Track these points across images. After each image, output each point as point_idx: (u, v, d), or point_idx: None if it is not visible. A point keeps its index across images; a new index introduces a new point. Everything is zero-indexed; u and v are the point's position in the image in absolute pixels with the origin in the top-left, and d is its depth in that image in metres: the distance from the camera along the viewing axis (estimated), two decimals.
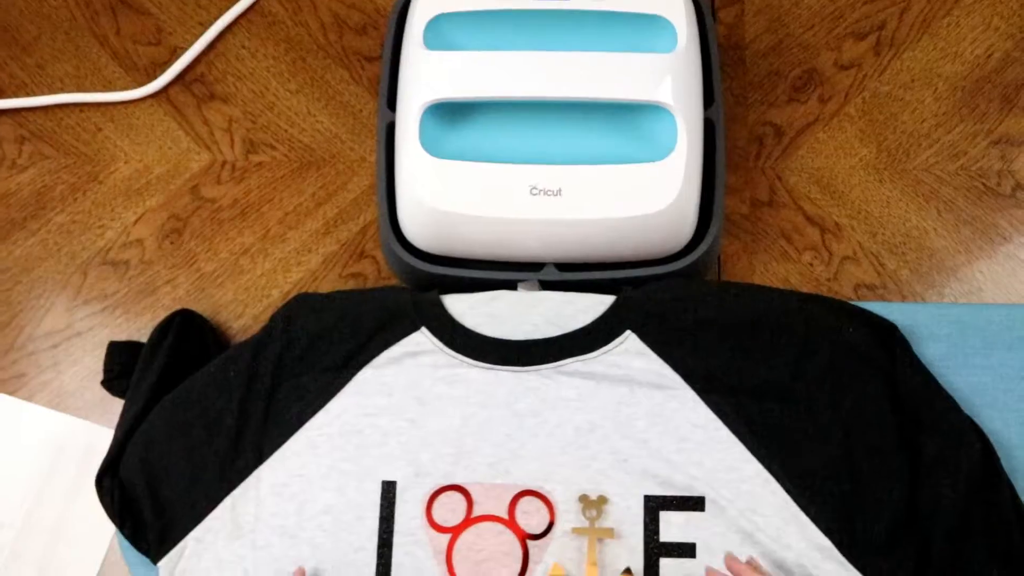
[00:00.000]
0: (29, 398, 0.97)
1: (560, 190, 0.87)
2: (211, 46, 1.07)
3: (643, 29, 0.91)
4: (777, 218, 0.98)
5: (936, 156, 0.99)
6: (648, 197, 0.87)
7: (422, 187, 0.88)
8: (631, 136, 0.92)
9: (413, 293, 0.91)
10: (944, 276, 0.95)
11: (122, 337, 0.98)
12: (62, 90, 1.06)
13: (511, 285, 0.91)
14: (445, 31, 0.92)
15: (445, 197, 0.88)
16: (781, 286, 0.95)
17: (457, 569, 0.84)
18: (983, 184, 0.98)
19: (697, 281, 0.92)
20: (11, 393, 0.97)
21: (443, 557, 0.84)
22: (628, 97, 0.88)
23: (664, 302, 0.88)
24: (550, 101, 0.90)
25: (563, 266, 0.91)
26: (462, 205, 0.87)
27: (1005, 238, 0.96)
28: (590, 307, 0.89)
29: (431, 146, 0.88)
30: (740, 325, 0.87)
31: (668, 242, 0.90)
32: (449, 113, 0.93)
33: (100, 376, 0.95)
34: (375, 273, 1.00)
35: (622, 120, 0.93)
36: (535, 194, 0.87)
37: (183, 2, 1.09)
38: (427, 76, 0.89)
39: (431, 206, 0.88)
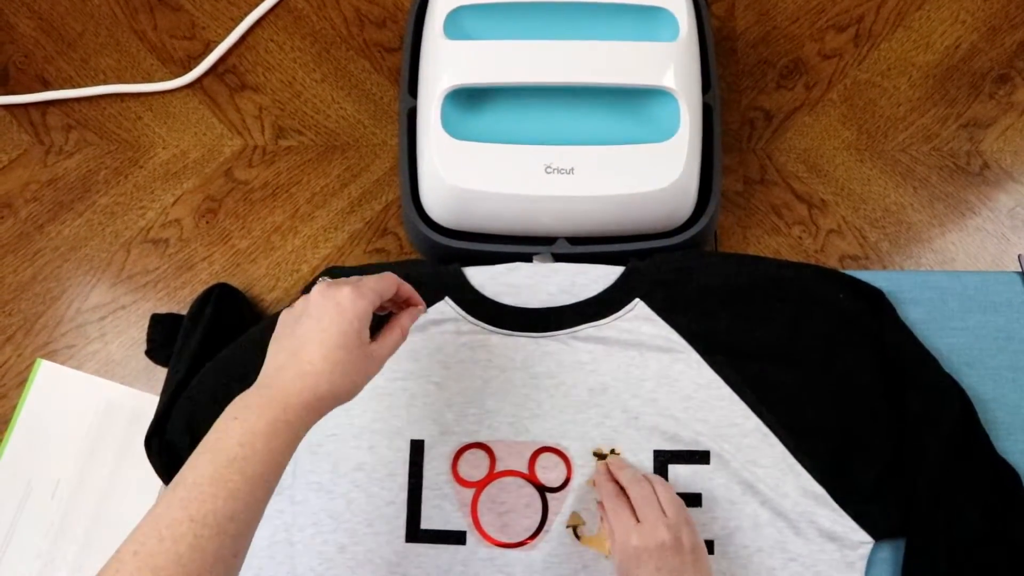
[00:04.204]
0: (79, 367, 0.93)
1: (573, 168, 0.83)
2: (242, 39, 1.03)
3: (647, 20, 0.88)
4: (768, 195, 0.95)
5: (911, 138, 0.96)
6: (654, 175, 0.83)
7: (444, 167, 0.84)
8: (637, 119, 0.89)
9: (436, 266, 0.87)
10: (921, 247, 0.93)
11: (163, 310, 0.94)
12: (105, 82, 1.02)
13: (527, 258, 0.88)
14: (463, 22, 0.88)
15: (466, 176, 0.84)
16: (773, 257, 0.92)
17: (482, 520, 0.81)
18: (954, 163, 0.95)
19: (699, 252, 0.88)
20: (63, 363, 0.93)
21: (468, 509, 0.81)
22: (634, 82, 0.84)
23: (669, 272, 0.85)
24: (562, 86, 0.87)
25: (574, 239, 0.88)
26: (482, 183, 0.84)
27: (975, 212, 0.94)
28: (601, 277, 0.86)
29: (452, 129, 0.84)
30: (740, 292, 0.84)
31: (672, 216, 0.87)
32: (468, 98, 0.89)
33: (144, 346, 0.91)
34: (397, 248, 0.96)
35: (628, 104, 0.89)
36: (549, 172, 0.83)
37: None
38: (448, 64, 0.85)
39: (452, 184, 0.84)
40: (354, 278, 0.68)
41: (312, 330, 0.64)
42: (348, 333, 0.64)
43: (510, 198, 0.84)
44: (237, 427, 0.59)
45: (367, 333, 0.66)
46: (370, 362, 0.67)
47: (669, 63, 0.84)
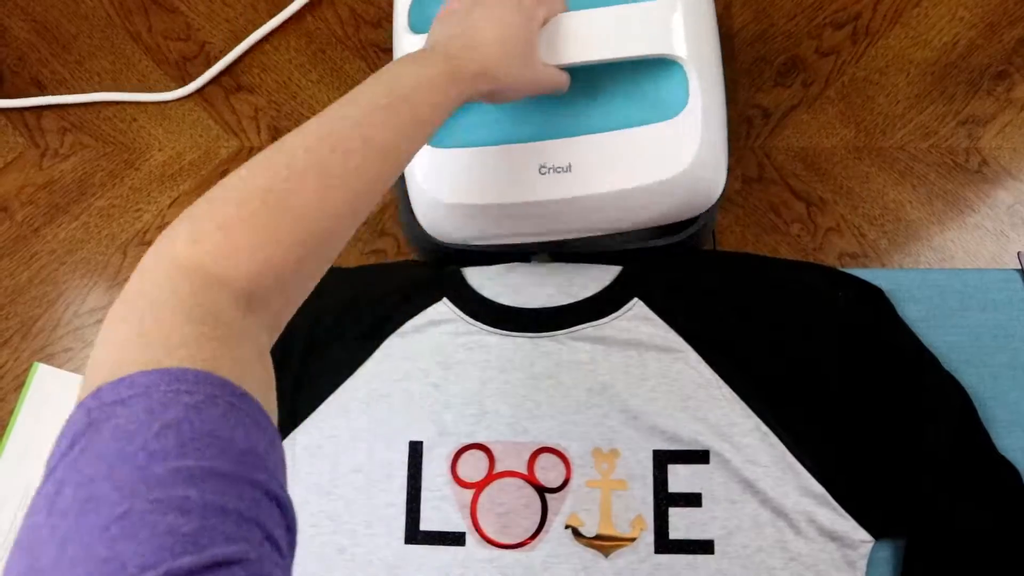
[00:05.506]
0: (76, 370, 0.94)
1: (570, 165, 0.76)
2: (236, 41, 1.03)
3: None
4: (766, 193, 0.95)
5: (910, 135, 0.96)
6: (666, 159, 0.74)
7: (426, 180, 0.79)
8: (641, 98, 0.78)
9: (434, 267, 0.88)
10: (919, 245, 0.93)
11: None
12: (99, 84, 1.03)
13: (525, 257, 0.88)
14: (430, 10, 0.78)
15: (450, 188, 0.78)
16: (771, 255, 0.92)
17: (481, 521, 0.81)
18: (952, 160, 0.95)
19: (697, 251, 0.89)
20: (60, 366, 0.94)
21: (468, 511, 0.81)
22: (631, 53, 0.75)
23: (668, 271, 0.85)
24: None
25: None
26: (468, 195, 0.78)
27: (973, 209, 0.94)
28: (599, 276, 0.86)
29: None
30: (739, 292, 0.84)
31: (695, 202, 0.77)
32: None
33: None
34: (394, 249, 0.96)
35: (629, 81, 0.79)
36: (544, 173, 0.77)
37: (211, 0, 1.05)
38: None
39: (435, 198, 0.78)
40: None
41: (488, 18, 0.66)
42: (522, 32, 0.66)
43: (503, 208, 0.78)
44: (414, 70, 0.61)
45: (536, 40, 0.69)
46: (533, 73, 0.69)
47: (670, 23, 0.75)
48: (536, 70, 0.70)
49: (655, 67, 0.77)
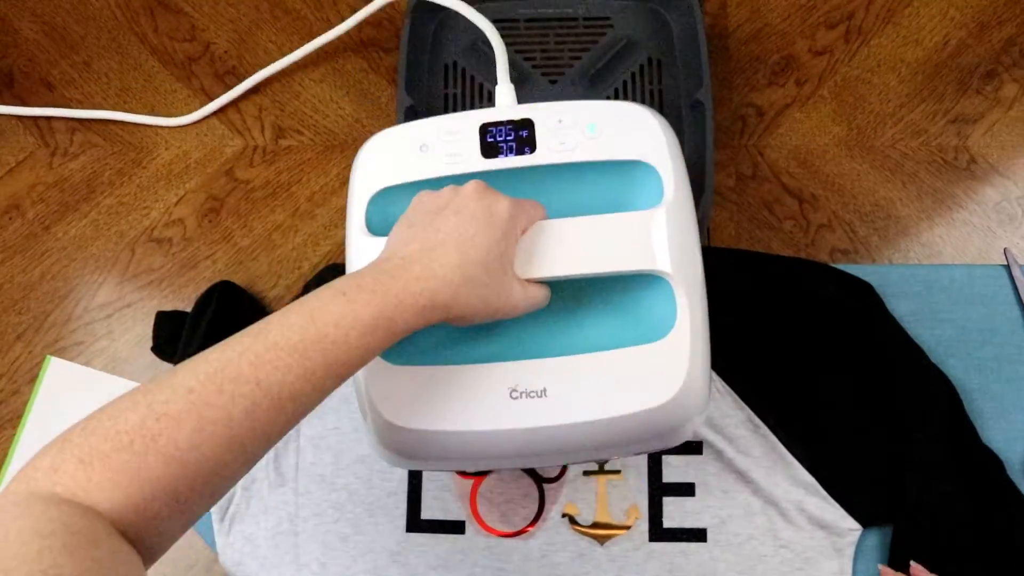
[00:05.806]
0: (87, 363, 0.96)
1: (545, 390, 0.65)
2: (241, 42, 1.05)
3: (618, 181, 0.72)
4: (760, 190, 0.97)
5: (900, 133, 0.99)
6: (651, 385, 0.66)
7: (378, 400, 0.67)
8: (624, 316, 0.70)
9: None
10: (909, 241, 0.95)
11: (168, 307, 0.97)
12: (107, 84, 1.05)
13: None
14: (393, 209, 0.69)
15: (406, 412, 0.66)
16: (764, 251, 0.94)
17: (480, 511, 0.84)
18: (942, 158, 0.98)
19: None
20: (71, 359, 0.97)
21: (467, 500, 0.84)
22: (619, 268, 0.67)
23: None
24: None
25: None
26: (427, 420, 0.66)
27: (961, 206, 0.96)
28: None
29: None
30: (731, 287, 0.86)
31: (678, 430, 0.69)
32: None
33: (150, 343, 0.95)
34: None
35: (607, 295, 0.71)
36: (516, 398, 0.66)
37: (215, 1, 1.07)
38: None
39: (388, 421, 0.66)
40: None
41: (455, 230, 0.59)
42: (492, 256, 0.59)
43: (466, 436, 0.66)
44: (341, 305, 0.54)
45: (512, 256, 0.62)
46: (506, 298, 0.61)
47: (656, 236, 0.67)
48: (510, 294, 0.61)
49: (638, 282, 0.69)
